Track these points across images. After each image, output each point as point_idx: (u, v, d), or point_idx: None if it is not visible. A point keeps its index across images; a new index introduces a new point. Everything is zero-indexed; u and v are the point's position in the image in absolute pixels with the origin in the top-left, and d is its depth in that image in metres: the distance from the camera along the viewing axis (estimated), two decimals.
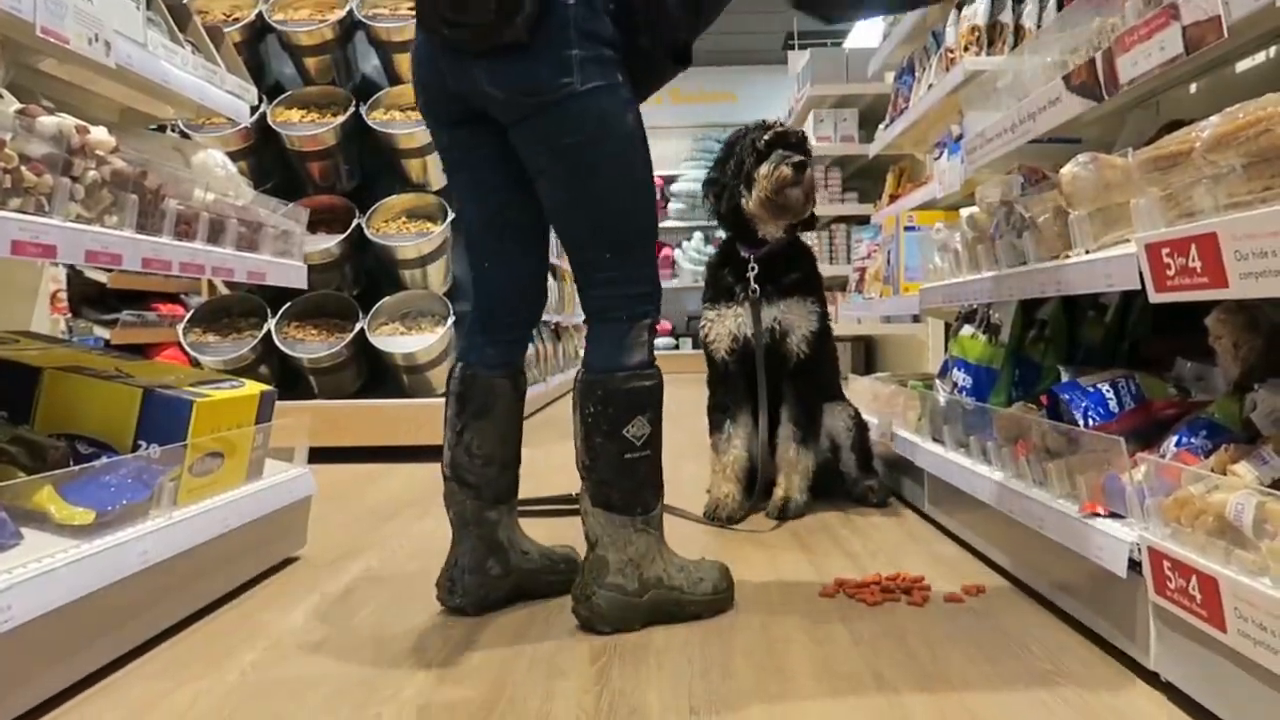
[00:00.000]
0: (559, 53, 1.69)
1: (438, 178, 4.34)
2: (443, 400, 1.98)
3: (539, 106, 1.72)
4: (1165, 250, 1.43)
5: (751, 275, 2.73)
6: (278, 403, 2.25)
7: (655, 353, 1.87)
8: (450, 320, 4.17)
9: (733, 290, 2.77)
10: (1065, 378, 2.03)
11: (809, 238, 7.31)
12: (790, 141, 2.71)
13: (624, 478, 1.80)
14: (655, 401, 1.84)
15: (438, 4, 1.68)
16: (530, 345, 7.42)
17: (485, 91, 1.74)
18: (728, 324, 2.76)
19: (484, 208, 1.92)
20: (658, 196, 10.57)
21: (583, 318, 1.87)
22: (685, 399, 3.38)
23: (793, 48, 10.01)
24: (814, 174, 2.76)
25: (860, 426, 2.96)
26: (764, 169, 2.68)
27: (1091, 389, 1.88)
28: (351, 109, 4.25)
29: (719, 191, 2.77)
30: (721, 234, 2.95)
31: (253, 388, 2.15)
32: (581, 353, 1.87)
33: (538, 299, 2.01)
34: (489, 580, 1.93)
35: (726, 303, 2.78)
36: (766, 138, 2.71)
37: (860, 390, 3.59)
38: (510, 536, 1.97)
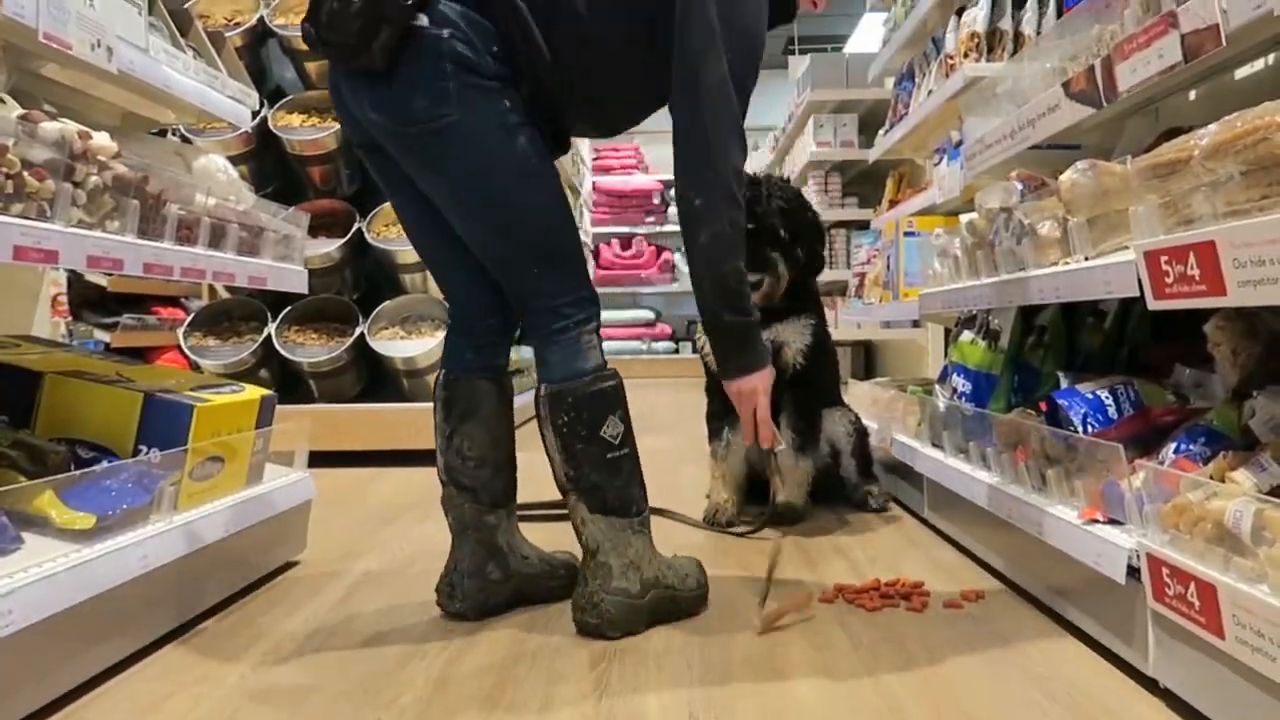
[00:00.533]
0: (434, 84, 1.68)
1: None
2: (481, 398, 1.97)
3: (421, 135, 1.72)
4: (1164, 258, 1.43)
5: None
6: (278, 407, 2.25)
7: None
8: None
9: None
10: (1064, 384, 2.03)
11: None
12: (754, 211, 2.52)
13: (613, 478, 1.80)
14: (622, 400, 1.84)
15: (317, 22, 1.69)
16: (523, 350, 7.43)
17: (370, 119, 1.75)
18: None
19: (422, 227, 1.93)
20: (656, 201, 10.52)
21: (532, 330, 1.84)
22: (685, 403, 3.39)
23: (793, 53, 10.03)
24: (779, 281, 2.63)
25: (860, 432, 2.96)
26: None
27: (1090, 395, 1.88)
28: None
29: None
30: None
31: (253, 392, 2.15)
32: (572, 363, 1.83)
33: (502, 303, 1.96)
34: (488, 585, 1.93)
35: None
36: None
37: (860, 395, 3.60)
38: (510, 541, 1.97)
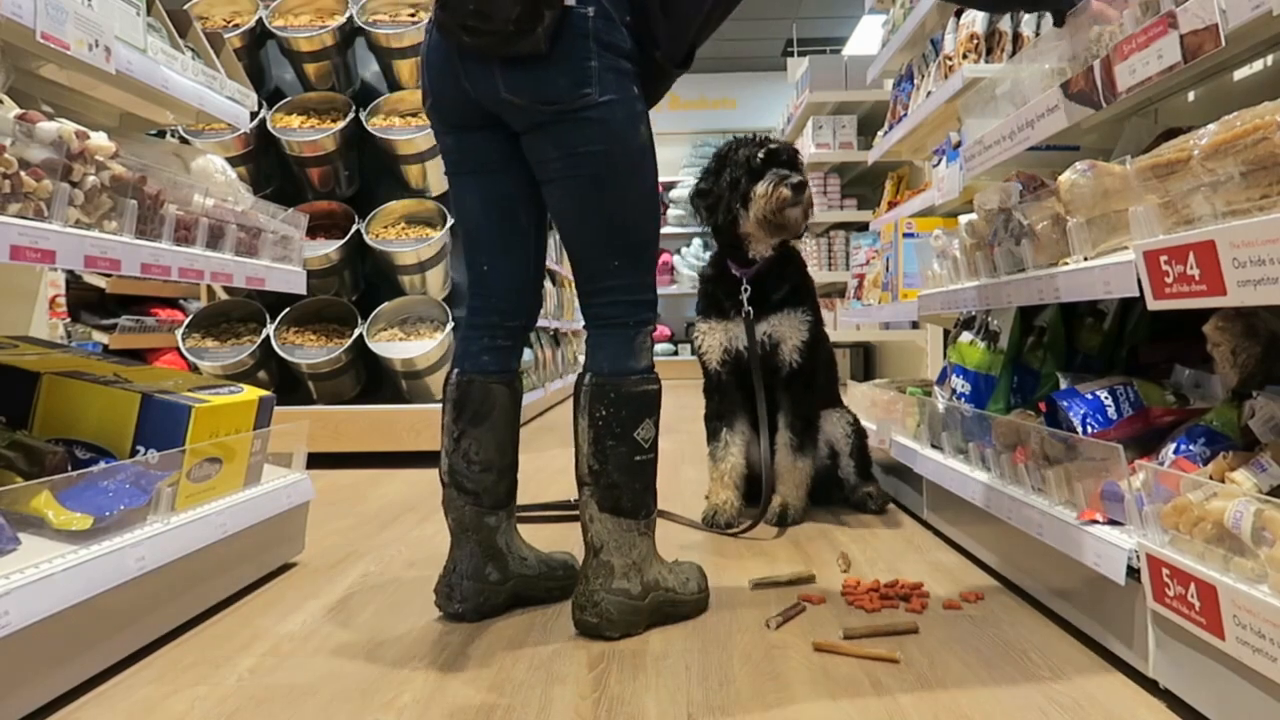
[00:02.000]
0: (579, 63, 1.71)
1: (437, 183, 4.35)
2: (495, 401, 1.96)
3: (557, 115, 1.73)
4: (1163, 258, 1.43)
5: (745, 296, 2.72)
6: (276, 408, 2.25)
7: (654, 358, 1.88)
8: (449, 326, 4.17)
9: (724, 307, 2.76)
10: (1064, 384, 2.03)
11: (805, 244, 7.35)
12: (783, 159, 2.69)
13: (634, 480, 1.81)
14: (659, 405, 1.87)
15: (460, 10, 1.68)
16: (529, 351, 7.47)
17: (503, 98, 1.75)
18: (719, 337, 2.77)
19: (487, 211, 1.92)
20: (773, 189, 10.34)
21: (582, 323, 1.87)
22: (685, 404, 3.39)
23: (792, 54, 10.04)
24: (810, 192, 2.73)
25: (859, 433, 2.96)
26: (761, 188, 2.64)
27: (1090, 396, 1.88)
28: (351, 115, 4.26)
29: (712, 204, 2.72)
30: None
31: (251, 393, 2.15)
32: (581, 358, 1.87)
33: (535, 304, 2.02)
34: (487, 586, 1.92)
35: (718, 318, 2.78)
36: (761, 155, 2.68)
37: (859, 397, 3.60)
38: (509, 543, 1.97)
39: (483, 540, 1.93)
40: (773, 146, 2.71)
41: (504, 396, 1.94)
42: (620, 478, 1.80)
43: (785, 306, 2.75)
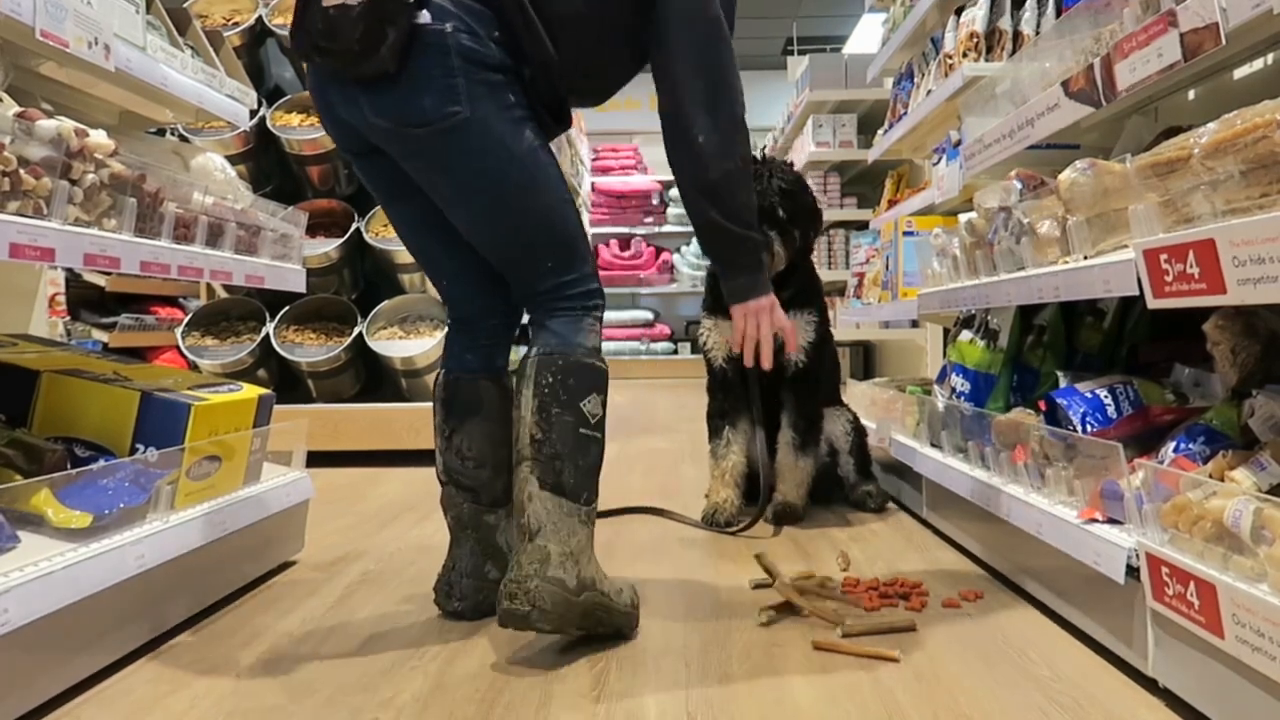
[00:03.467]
0: (443, 81, 1.64)
1: None
2: (482, 398, 1.95)
3: (430, 137, 1.67)
4: (1163, 256, 1.43)
5: None
6: (276, 406, 2.25)
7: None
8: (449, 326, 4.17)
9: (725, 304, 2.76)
10: (1063, 383, 2.03)
11: None
12: (767, 200, 2.59)
13: (578, 454, 1.70)
14: (607, 388, 1.79)
15: (309, 30, 1.63)
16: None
17: (372, 123, 1.69)
18: (725, 334, 2.76)
19: (425, 233, 1.90)
20: (655, 201, 10.49)
21: (536, 317, 1.80)
22: (684, 404, 3.38)
23: (792, 53, 10.04)
24: (773, 257, 2.61)
25: (859, 431, 2.96)
26: None
27: (1089, 395, 1.88)
28: None
29: None
30: None
31: (251, 391, 2.15)
32: (569, 337, 1.81)
33: (505, 301, 1.94)
34: (486, 584, 1.90)
35: (723, 314, 2.78)
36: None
37: (859, 395, 3.60)
38: (509, 541, 1.95)
39: (482, 538, 1.92)
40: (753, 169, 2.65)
41: (491, 392, 1.92)
42: (564, 449, 1.69)
43: (791, 307, 2.73)
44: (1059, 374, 2.15)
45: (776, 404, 2.78)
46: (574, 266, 1.80)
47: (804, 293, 2.78)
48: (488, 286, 1.92)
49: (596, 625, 1.72)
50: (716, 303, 2.81)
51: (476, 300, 1.95)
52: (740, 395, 2.79)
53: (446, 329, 2.00)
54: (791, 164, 2.86)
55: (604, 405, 1.78)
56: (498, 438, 1.91)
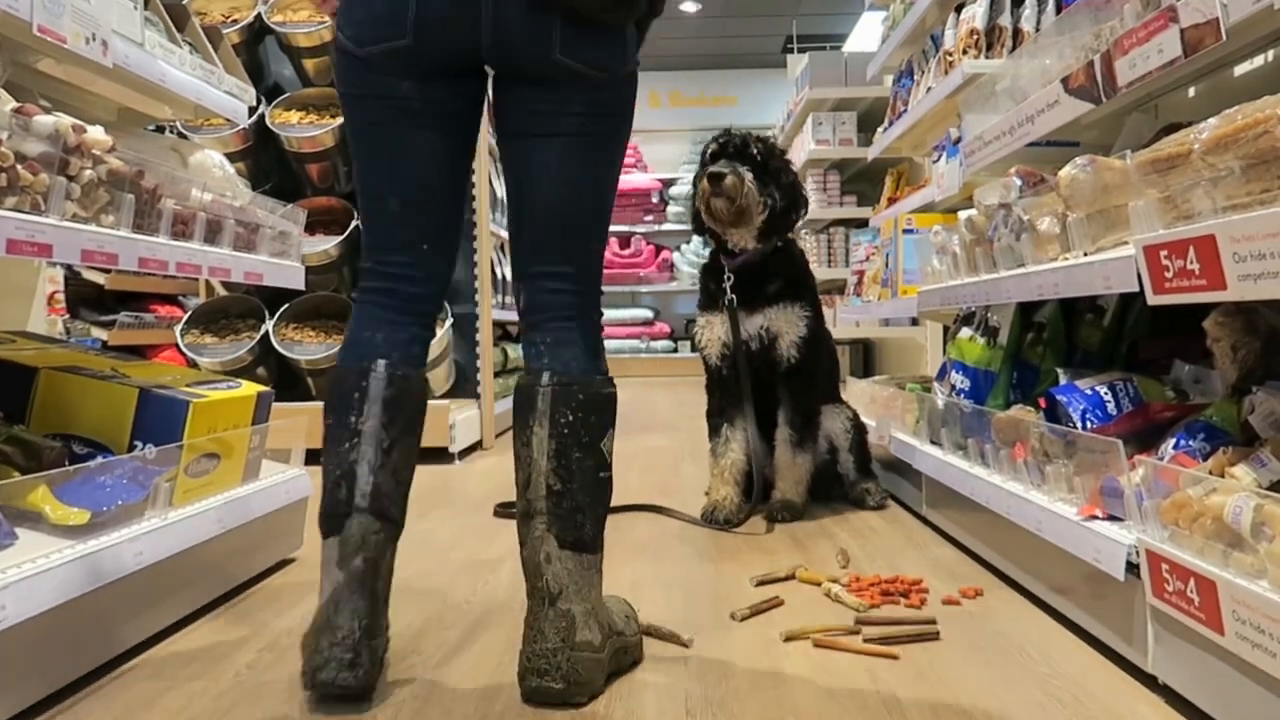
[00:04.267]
0: (624, 37, 1.57)
1: None
2: (424, 403, 1.63)
3: (601, 80, 1.56)
4: (1163, 252, 1.43)
5: (728, 285, 2.72)
6: (275, 404, 2.25)
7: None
8: (449, 322, 4.16)
9: (718, 300, 2.77)
10: (1063, 380, 2.03)
11: (805, 240, 7.34)
12: (730, 151, 2.69)
13: (597, 503, 1.55)
14: (617, 414, 1.63)
15: None
16: None
17: (554, 60, 1.50)
18: (716, 330, 2.77)
19: (444, 173, 1.63)
20: (655, 200, 10.47)
21: (552, 312, 1.58)
22: (684, 401, 3.38)
23: (792, 51, 10.03)
24: (743, 182, 2.63)
25: (859, 429, 2.96)
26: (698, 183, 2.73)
27: (1089, 391, 1.87)
28: None
29: (690, 201, 2.81)
30: None
31: (250, 389, 2.15)
32: (589, 360, 1.62)
33: (449, 284, 1.73)
34: (381, 646, 1.53)
35: (714, 310, 2.78)
36: (712, 148, 2.73)
37: (858, 393, 3.59)
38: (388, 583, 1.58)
39: (385, 585, 1.55)
40: (722, 138, 2.73)
41: (424, 396, 1.64)
42: (585, 500, 1.52)
43: (781, 300, 2.73)
44: (1059, 371, 2.15)
45: (773, 401, 2.78)
46: (602, 258, 1.68)
47: (793, 286, 2.77)
48: (449, 260, 1.70)
49: (618, 667, 1.59)
50: (707, 299, 2.81)
51: (444, 273, 1.68)
52: (737, 394, 2.79)
53: (375, 306, 1.62)
54: (785, 152, 2.88)
55: (613, 436, 1.61)
56: (416, 454, 1.62)
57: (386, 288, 1.62)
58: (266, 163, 4.34)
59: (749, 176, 2.66)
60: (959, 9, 3.56)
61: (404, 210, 1.62)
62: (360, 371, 1.55)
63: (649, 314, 10.85)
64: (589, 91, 1.56)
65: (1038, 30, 2.92)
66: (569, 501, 1.51)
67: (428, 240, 1.64)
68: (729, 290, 2.71)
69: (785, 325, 2.72)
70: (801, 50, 9.25)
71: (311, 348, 4.04)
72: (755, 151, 2.69)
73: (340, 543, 1.50)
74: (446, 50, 1.52)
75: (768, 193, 2.68)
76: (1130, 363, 2.22)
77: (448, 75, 1.57)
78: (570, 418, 1.53)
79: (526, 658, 1.48)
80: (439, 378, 4.22)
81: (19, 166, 1.57)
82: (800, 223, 2.89)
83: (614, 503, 2.89)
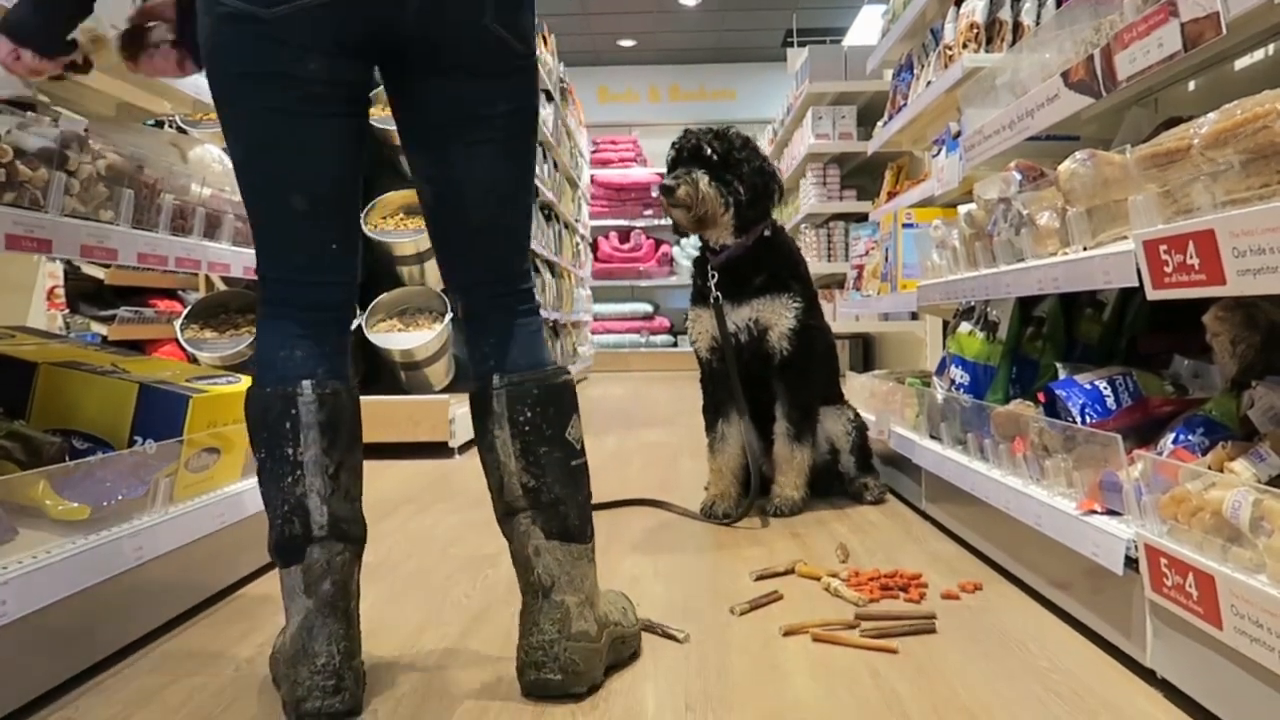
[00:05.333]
0: (531, 7, 1.48)
1: None
2: (358, 415, 1.51)
3: (520, 59, 1.47)
4: (1163, 247, 1.43)
5: (713, 282, 2.71)
6: None
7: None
8: (448, 317, 4.16)
9: (704, 293, 2.76)
10: (1063, 375, 2.03)
11: (805, 234, 7.33)
12: (684, 156, 2.67)
13: (575, 491, 1.52)
14: (578, 401, 1.59)
15: None
16: None
17: (485, 25, 1.40)
18: (706, 324, 2.76)
19: (353, 162, 1.48)
20: (655, 194, 10.44)
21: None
22: (683, 396, 3.38)
23: (791, 45, 10.01)
24: (697, 188, 2.62)
25: (860, 430, 2.96)
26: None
27: (1089, 386, 1.88)
28: None
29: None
30: None
31: (249, 383, 2.15)
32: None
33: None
34: (360, 669, 1.45)
35: (703, 305, 2.78)
36: (670, 155, 2.72)
37: (858, 387, 3.60)
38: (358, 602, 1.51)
39: (354, 605, 1.47)
40: (679, 143, 2.70)
41: (359, 411, 1.52)
42: (562, 490, 1.50)
43: (768, 292, 2.71)
44: (1058, 365, 2.15)
45: (770, 395, 2.78)
46: (526, 254, 1.61)
47: (780, 277, 2.74)
48: (358, 253, 1.55)
49: (617, 658, 1.59)
50: (696, 293, 2.81)
51: (355, 271, 1.54)
52: (731, 380, 2.78)
53: (289, 320, 1.48)
54: (749, 139, 2.80)
55: (579, 421, 1.57)
56: (362, 465, 1.53)
57: (295, 297, 1.48)
58: None
59: (704, 181, 2.62)
60: (959, 3, 3.56)
61: (314, 210, 1.46)
62: (286, 396, 1.43)
63: (648, 308, 10.86)
64: (508, 79, 1.47)
65: (1038, 24, 2.92)
66: (547, 495, 1.50)
67: (337, 240, 1.49)
68: (713, 287, 2.71)
69: (774, 317, 2.70)
70: (801, 44, 9.23)
71: None
72: (710, 151, 2.64)
73: (304, 570, 1.43)
74: (365, 14, 1.37)
75: (731, 190, 2.64)
76: (1130, 357, 2.22)
77: (358, 54, 1.42)
78: (529, 414, 1.50)
79: (524, 651, 1.48)
80: (438, 373, 4.22)
81: (18, 162, 1.56)
82: (780, 202, 2.80)
83: (613, 497, 2.95)
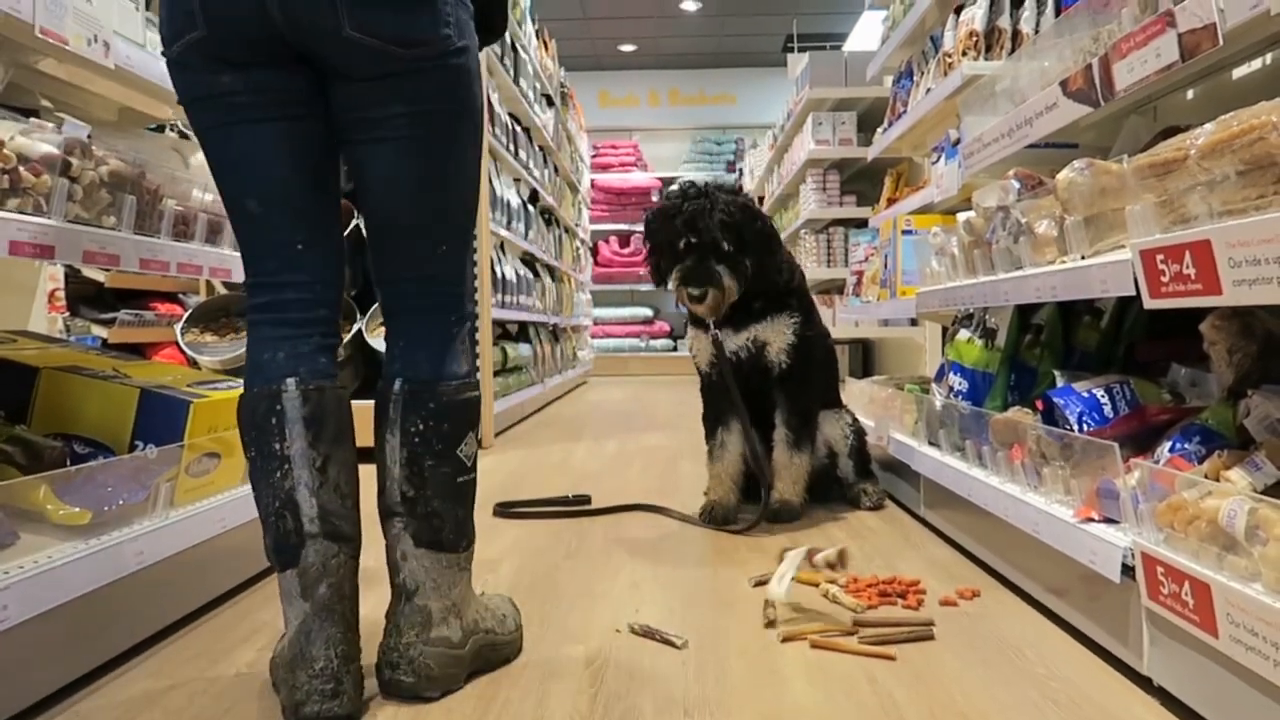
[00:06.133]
0: (454, 10, 1.48)
1: None
2: (348, 411, 1.54)
3: (415, 62, 1.45)
4: (1160, 257, 1.44)
5: (711, 320, 2.70)
6: None
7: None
8: None
9: (704, 322, 2.74)
10: (1060, 382, 2.04)
11: (805, 240, 7.34)
12: (694, 245, 2.56)
13: (456, 506, 1.55)
14: (480, 416, 1.62)
15: None
16: (527, 346, 7.39)
17: (346, 35, 1.41)
18: (704, 344, 2.77)
19: (299, 167, 1.50)
20: (655, 198, 10.52)
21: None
22: (683, 400, 3.39)
23: (792, 50, 10.04)
24: (724, 293, 2.57)
25: (858, 435, 2.96)
26: (670, 283, 2.65)
27: (1086, 394, 1.88)
28: None
29: (653, 268, 2.74)
30: None
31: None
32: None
33: (343, 285, 1.63)
34: (360, 669, 1.47)
35: (702, 329, 2.77)
36: (679, 221, 2.57)
37: (857, 393, 3.60)
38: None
39: (355, 606, 1.49)
40: (685, 228, 2.56)
41: (348, 406, 1.54)
42: (441, 505, 1.52)
43: (766, 315, 2.72)
44: (1056, 373, 2.15)
45: (769, 402, 2.79)
46: (463, 258, 1.60)
47: (778, 298, 2.73)
48: (342, 261, 1.59)
49: (485, 665, 1.61)
50: (695, 319, 2.80)
51: (332, 277, 1.57)
52: (731, 398, 2.79)
53: (269, 323, 1.53)
54: (740, 188, 2.77)
55: (478, 437, 1.60)
56: (355, 464, 1.54)
57: (272, 300, 1.53)
58: None
59: (726, 278, 2.57)
60: (958, 10, 3.57)
61: (266, 211, 1.51)
62: (270, 394, 1.46)
63: (648, 312, 10.87)
64: (407, 80, 1.46)
65: (1037, 32, 2.93)
66: (424, 507, 1.53)
67: (301, 239, 1.52)
68: (713, 326, 2.70)
69: (773, 335, 2.71)
70: (802, 49, 9.25)
71: None
72: (727, 245, 2.55)
73: (299, 574, 1.44)
74: (242, 35, 1.42)
75: (741, 269, 2.60)
76: (1127, 365, 2.22)
77: (270, 63, 1.46)
78: (420, 426, 1.52)
79: (381, 651, 1.51)
80: None
81: (21, 169, 1.57)
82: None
83: (613, 500, 2.95)
